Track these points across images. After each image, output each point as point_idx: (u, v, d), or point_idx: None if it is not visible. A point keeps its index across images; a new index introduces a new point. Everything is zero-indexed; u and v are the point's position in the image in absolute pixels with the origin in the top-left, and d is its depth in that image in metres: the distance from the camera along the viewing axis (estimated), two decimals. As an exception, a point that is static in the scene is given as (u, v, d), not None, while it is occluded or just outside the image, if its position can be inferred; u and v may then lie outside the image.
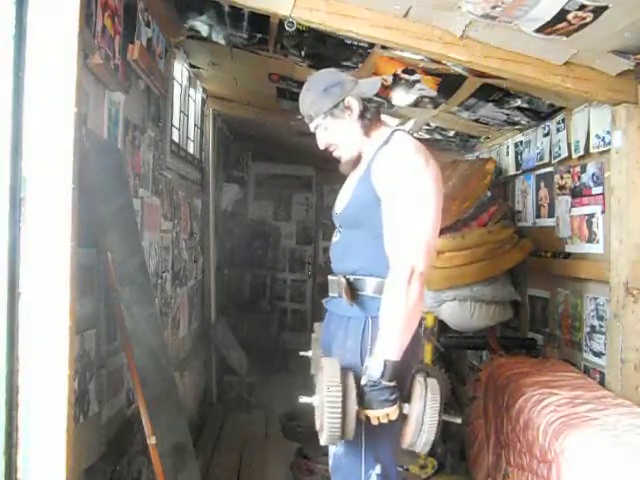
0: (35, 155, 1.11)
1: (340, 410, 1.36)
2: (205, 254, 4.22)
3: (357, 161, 1.68)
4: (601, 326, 2.43)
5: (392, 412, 1.43)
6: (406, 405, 1.49)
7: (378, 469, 1.54)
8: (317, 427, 1.47)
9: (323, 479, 2.83)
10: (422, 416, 1.46)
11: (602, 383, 2.35)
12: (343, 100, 1.61)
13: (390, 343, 1.45)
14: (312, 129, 1.68)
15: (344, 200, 1.66)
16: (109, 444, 1.87)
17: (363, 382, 1.45)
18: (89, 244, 1.72)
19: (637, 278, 2.16)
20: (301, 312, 6.33)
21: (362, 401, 1.42)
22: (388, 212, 1.52)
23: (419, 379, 1.53)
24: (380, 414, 1.42)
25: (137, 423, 1.92)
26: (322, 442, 1.45)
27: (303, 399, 1.50)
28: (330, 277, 1.70)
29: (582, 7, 1.66)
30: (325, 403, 1.37)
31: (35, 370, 1.10)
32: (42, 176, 1.11)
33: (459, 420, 1.66)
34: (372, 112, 1.64)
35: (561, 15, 1.71)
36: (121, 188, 2.03)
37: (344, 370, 1.43)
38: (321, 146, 1.69)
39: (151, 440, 1.76)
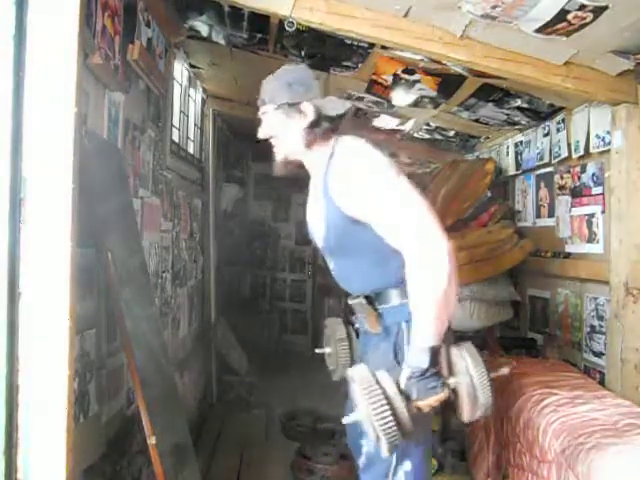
0: (35, 155, 1.11)
1: (389, 412, 1.29)
2: (205, 254, 4.22)
3: (291, 165, 1.62)
4: (601, 326, 2.43)
5: (443, 395, 1.38)
6: (451, 379, 1.43)
7: (407, 466, 1.51)
8: (373, 439, 1.37)
9: (323, 479, 2.83)
10: (472, 384, 1.41)
11: (602, 383, 2.35)
12: (300, 103, 1.56)
13: (430, 330, 1.37)
14: (259, 114, 1.62)
15: (320, 230, 1.58)
16: (109, 444, 1.87)
17: (407, 376, 1.38)
18: (89, 244, 1.72)
19: (637, 278, 2.16)
20: (301, 312, 6.33)
21: (408, 395, 1.36)
22: (376, 218, 1.45)
23: (454, 351, 1.47)
24: (431, 401, 1.37)
25: (137, 423, 1.92)
26: (385, 453, 1.34)
27: (346, 419, 1.41)
28: (350, 301, 1.63)
29: (582, 7, 1.66)
30: (371, 412, 1.30)
31: (35, 370, 1.10)
32: (42, 176, 1.11)
33: (506, 370, 1.61)
34: (322, 130, 1.57)
35: (561, 15, 1.71)
36: (121, 188, 2.03)
37: (374, 372, 1.36)
38: (260, 134, 1.62)
39: (151, 440, 1.76)
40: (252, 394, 4.27)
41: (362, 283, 1.59)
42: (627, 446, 1.69)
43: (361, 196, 1.45)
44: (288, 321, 6.30)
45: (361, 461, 1.61)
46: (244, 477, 2.98)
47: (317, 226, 1.61)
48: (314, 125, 1.56)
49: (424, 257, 1.36)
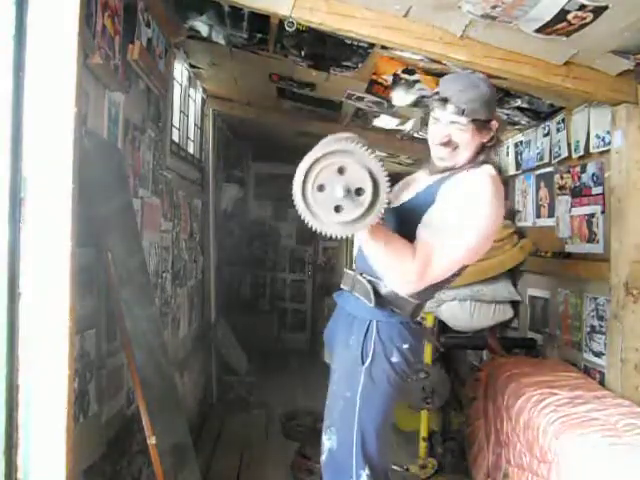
0: (35, 155, 1.11)
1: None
2: (205, 254, 4.22)
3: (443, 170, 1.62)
4: (601, 326, 2.43)
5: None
6: None
7: (367, 470, 1.54)
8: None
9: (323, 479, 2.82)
10: None
11: (602, 383, 2.35)
12: (491, 120, 1.56)
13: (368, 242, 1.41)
14: (445, 117, 1.55)
15: (405, 195, 1.62)
16: (109, 444, 1.87)
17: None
18: (89, 244, 1.72)
19: (637, 278, 2.16)
20: (301, 312, 6.33)
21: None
22: (436, 217, 1.49)
23: None
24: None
25: (137, 423, 1.92)
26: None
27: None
28: (347, 270, 1.69)
29: (582, 7, 1.66)
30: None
31: (35, 370, 1.10)
32: (42, 176, 1.11)
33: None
34: (493, 149, 1.61)
35: (561, 15, 1.71)
36: (121, 188, 2.03)
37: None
38: (443, 139, 1.57)
39: (151, 440, 1.76)
40: (252, 394, 4.27)
41: None
42: (627, 446, 1.69)
43: (451, 202, 1.50)
44: (288, 321, 6.31)
45: (323, 458, 1.64)
46: (244, 477, 2.98)
47: (404, 193, 1.65)
48: (492, 143, 1.60)
49: (406, 274, 1.45)
